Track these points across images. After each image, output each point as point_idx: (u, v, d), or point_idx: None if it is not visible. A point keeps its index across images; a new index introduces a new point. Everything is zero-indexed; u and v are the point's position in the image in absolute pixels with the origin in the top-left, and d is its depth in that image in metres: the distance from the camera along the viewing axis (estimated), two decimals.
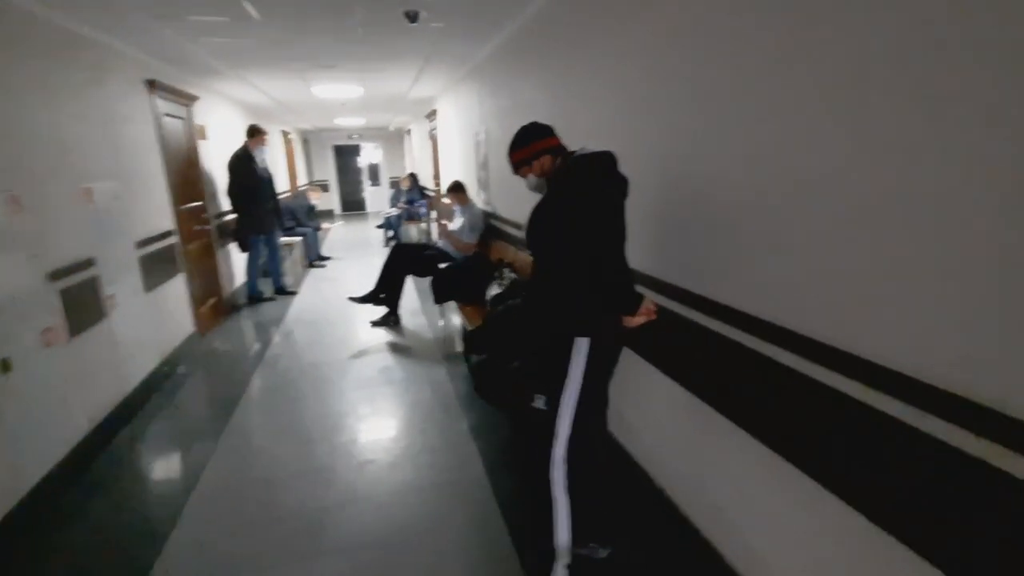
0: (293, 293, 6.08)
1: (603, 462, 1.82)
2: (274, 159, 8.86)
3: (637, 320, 1.61)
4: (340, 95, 6.60)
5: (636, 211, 1.67)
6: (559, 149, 1.74)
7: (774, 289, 1.41)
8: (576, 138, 1.85)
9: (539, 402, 1.73)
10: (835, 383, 1.22)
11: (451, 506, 2.31)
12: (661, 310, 1.72)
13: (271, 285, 6.05)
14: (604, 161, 1.58)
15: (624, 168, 1.62)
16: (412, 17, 3.00)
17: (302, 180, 11.63)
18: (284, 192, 9.13)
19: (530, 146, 1.76)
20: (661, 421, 2.14)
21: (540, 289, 1.72)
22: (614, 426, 2.10)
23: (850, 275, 1.18)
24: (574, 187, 1.57)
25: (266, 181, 5.57)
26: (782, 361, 1.37)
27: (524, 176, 1.80)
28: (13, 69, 2.47)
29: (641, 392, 2.20)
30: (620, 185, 1.59)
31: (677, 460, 2.06)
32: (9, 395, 2.21)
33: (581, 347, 1.59)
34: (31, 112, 2.57)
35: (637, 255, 1.89)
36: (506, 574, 1.91)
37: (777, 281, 1.40)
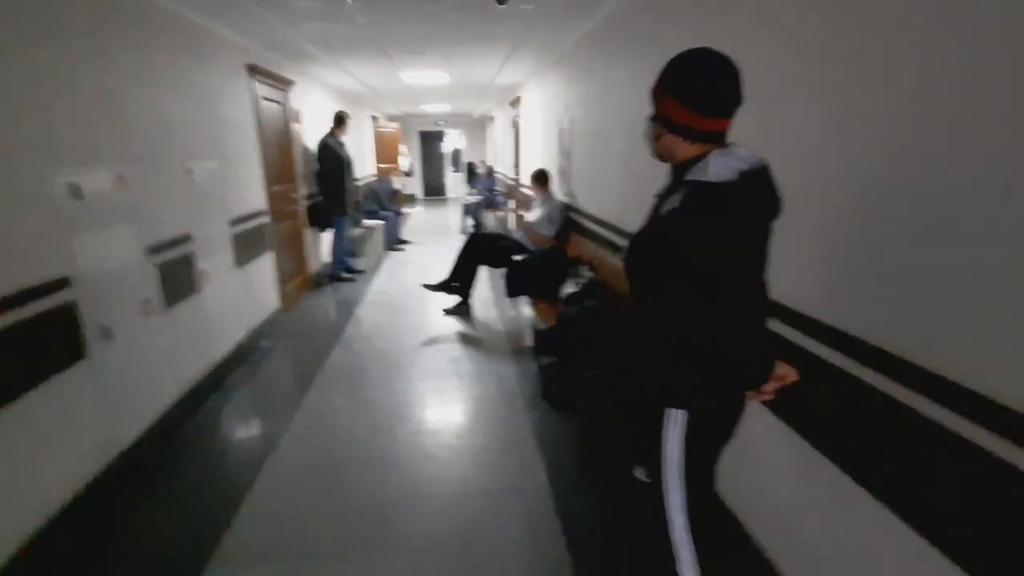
0: (360, 272, 6.29)
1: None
2: (361, 143, 9.15)
3: (764, 393, 1.24)
4: (427, 81, 6.65)
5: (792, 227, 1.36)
6: (702, 135, 1.16)
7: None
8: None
9: (640, 473, 1.39)
10: None
11: (510, 515, 2.21)
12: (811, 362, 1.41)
13: (356, 265, 6.29)
14: (748, 196, 1.10)
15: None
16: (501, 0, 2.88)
17: (403, 166, 11.73)
18: (370, 175, 9.42)
19: (666, 101, 1.18)
20: (772, 472, 1.88)
21: (633, 329, 1.33)
22: None
23: None
24: (696, 230, 1.08)
25: (347, 165, 5.72)
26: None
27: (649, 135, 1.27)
28: (121, 52, 2.60)
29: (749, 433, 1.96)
30: (767, 220, 1.17)
31: (780, 509, 1.81)
32: (108, 361, 2.36)
33: (676, 421, 1.23)
34: (138, 94, 2.71)
35: (784, 282, 1.61)
36: None
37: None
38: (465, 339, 4.28)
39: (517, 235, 4.62)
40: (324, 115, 6.20)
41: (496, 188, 9.48)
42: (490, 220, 9.30)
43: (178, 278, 2.99)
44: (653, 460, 1.29)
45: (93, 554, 2.01)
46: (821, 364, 1.45)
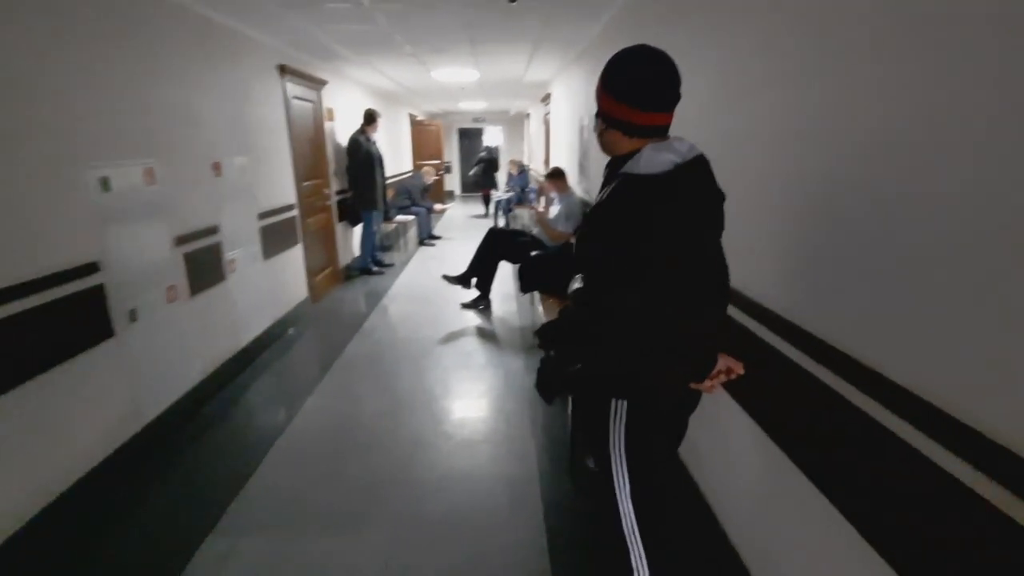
0: (389, 265, 6.52)
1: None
2: (399, 141, 9.38)
3: (708, 385, 1.24)
4: (458, 79, 6.75)
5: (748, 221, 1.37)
6: (638, 129, 1.17)
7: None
8: (689, 121, 1.46)
9: (591, 462, 1.40)
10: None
11: (497, 500, 2.27)
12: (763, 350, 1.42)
13: (384, 259, 6.55)
14: (679, 187, 1.11)
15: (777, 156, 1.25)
16: None
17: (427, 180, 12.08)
18: (406, 172, 9.65)
19: (604, 97, 1.21)
20: (734, 458, 1.88)
21: (579, 314, 1.34)
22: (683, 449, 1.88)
23: None
24: (628, 217, 1.11)
25: (378, 161, 5.90)
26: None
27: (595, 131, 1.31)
28: (153, 53, 2.80)
29: (715, 418, 1.96)
30: (704, 215, 1.18)
31: (747, 507, 1.80)
32: (134, 341, 2.56)
33: (618, 411, 1.24)
34: (168, 92, 2.90)
35: (745, 274, 1.61)
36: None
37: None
38: (481, 333, 4.36)
39: (536, 231, 4.66)
40: (358, 113, 6.40)
41: (529, 185, 9.55)
42: (524, 217, 9.36)
43: (204, 267, 3.20)
44: (601, 450, 1.31)
45: (109, 517, 2.19)
46: (780, 358, 1.44)
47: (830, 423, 1.25)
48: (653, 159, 1.13)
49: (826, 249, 1.29)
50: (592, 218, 1.20)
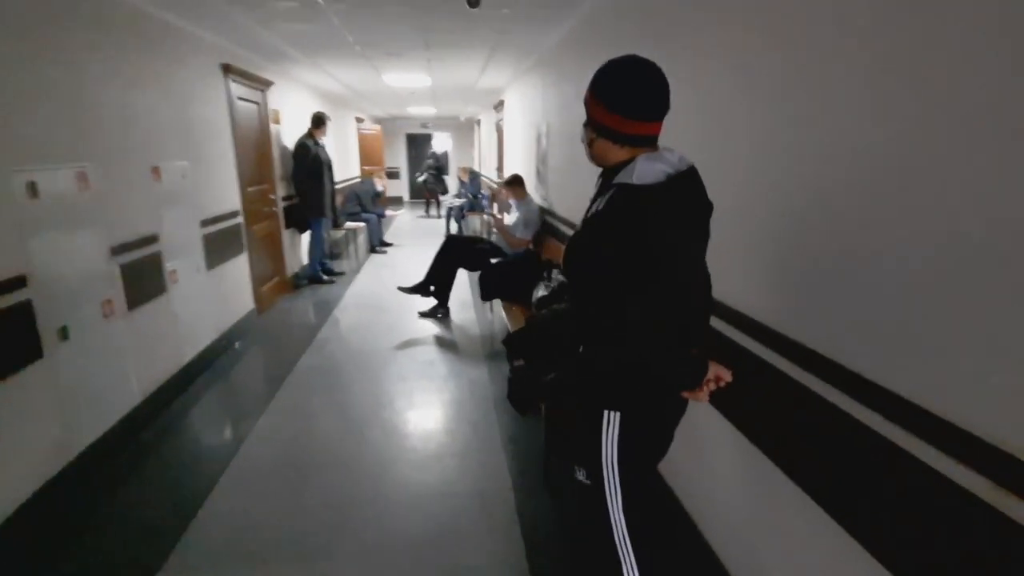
0: (340, 274, 6.29)
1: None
2: (346, 145, 9.13)
3: (699, 395, 1.25)
4: (410, 84, 6.65)
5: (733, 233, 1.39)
6: (630, 139, 1.17)
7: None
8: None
9: (580, 474, 1.39)
10: None
11: (471, 517, 2.21)
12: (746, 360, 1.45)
13: (334, 267, 6.32)
14: (674, 199, 1.13)
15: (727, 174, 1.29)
16: (472, 2, 2.88)
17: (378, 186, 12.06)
18: (354, 177, 9.40)
19: (594, 106, 1.21)
20: (711, 461, 1.91)
21: (570, 327, 1.36)
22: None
23: None
24: (626, 225, 1.11)
25: (327, 166, 5.70)
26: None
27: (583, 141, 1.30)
28: (87, 48, 2.58)
29: (694, 427, 1.99)
30: (696, 226, 1.21)
31: (726, 507, 1.83)
32: (66, 362, 2.33)
33: (612, 423, 1.24)
34: (103, 91, 2.68)
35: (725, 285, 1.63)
36: None
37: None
38: (440, 342, 4.27)
39: (495, 238, 4.64)
40: (305, 116, 6.17)
41: (481, 192, 9.52)
42: (475, 223, 9.32)
43: (143, 279, 2.96)
44: (592, 462, 1.30)
45: (39, 564, 1.97)
46: (761, 364, 1.48)
47: (820, 429, 1.29)
48: (647, 169, 1.13)
49: (810, 252, 1.33)
50: (589, 228, 1.18)
